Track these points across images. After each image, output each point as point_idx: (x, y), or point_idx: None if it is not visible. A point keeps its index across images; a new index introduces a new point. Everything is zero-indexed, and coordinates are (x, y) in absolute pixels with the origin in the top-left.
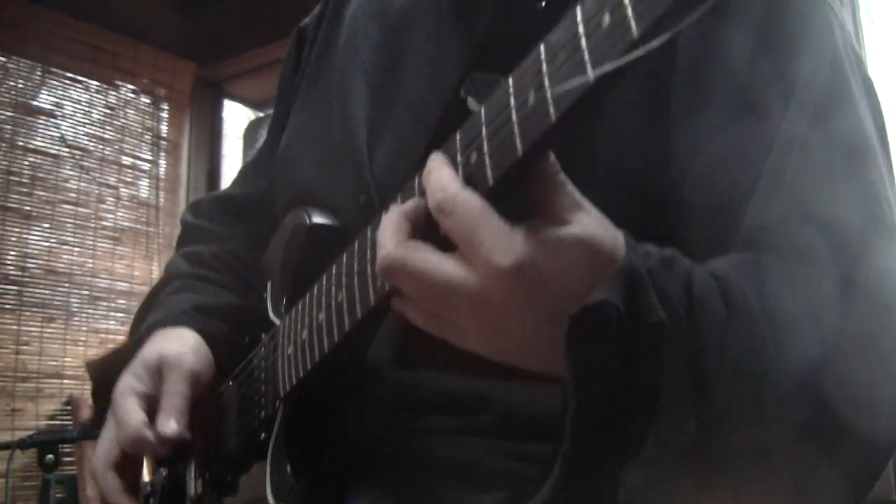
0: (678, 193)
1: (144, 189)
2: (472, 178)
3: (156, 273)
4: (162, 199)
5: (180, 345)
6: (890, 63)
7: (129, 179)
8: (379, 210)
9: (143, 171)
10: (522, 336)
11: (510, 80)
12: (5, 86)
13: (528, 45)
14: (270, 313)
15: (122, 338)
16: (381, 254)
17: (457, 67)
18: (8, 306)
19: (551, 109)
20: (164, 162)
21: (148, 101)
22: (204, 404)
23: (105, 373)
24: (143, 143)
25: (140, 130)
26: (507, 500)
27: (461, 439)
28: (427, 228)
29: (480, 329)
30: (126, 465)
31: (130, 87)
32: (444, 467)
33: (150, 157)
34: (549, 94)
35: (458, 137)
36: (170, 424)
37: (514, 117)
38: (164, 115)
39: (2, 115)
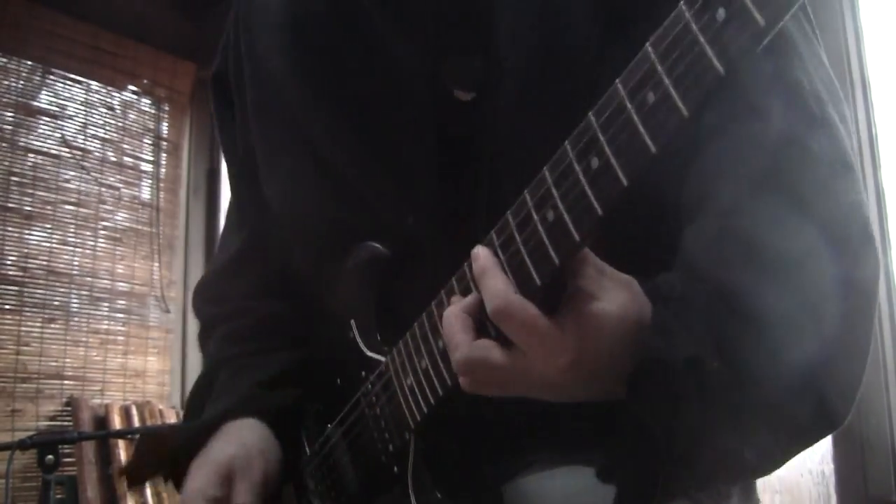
0: (676, 195)
1: (145, 190)
2: (517, 275)
3: (156, 274)
4: (162, 200)
5: (249, 447)
6: (890, 63)
7: (130, 180)
8: (427, 229)
9: (144, 172)
10: (577, 392)
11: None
12: (6, 86)
13: (484, 18)
14: (365, 350)
15: (122, 338)
16: (456, 355)
17: (425, 62)
18: (8, 307)
19: (595, 205)
20: (164, 162)
21: (148, 101)
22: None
23: (157, 448)
24: (144, 144)
25: (141, 131)
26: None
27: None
28: (486, 320)
29: (541, 395)
30: None
31: (131, 87)
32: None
33: (150, 158)
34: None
35: (494, 237)
36: None
37: (541, 230)
38: (165, 115)
39: (3, 115)
